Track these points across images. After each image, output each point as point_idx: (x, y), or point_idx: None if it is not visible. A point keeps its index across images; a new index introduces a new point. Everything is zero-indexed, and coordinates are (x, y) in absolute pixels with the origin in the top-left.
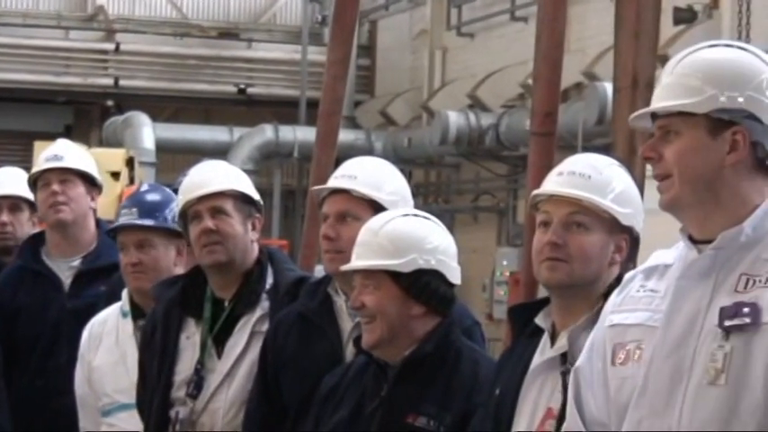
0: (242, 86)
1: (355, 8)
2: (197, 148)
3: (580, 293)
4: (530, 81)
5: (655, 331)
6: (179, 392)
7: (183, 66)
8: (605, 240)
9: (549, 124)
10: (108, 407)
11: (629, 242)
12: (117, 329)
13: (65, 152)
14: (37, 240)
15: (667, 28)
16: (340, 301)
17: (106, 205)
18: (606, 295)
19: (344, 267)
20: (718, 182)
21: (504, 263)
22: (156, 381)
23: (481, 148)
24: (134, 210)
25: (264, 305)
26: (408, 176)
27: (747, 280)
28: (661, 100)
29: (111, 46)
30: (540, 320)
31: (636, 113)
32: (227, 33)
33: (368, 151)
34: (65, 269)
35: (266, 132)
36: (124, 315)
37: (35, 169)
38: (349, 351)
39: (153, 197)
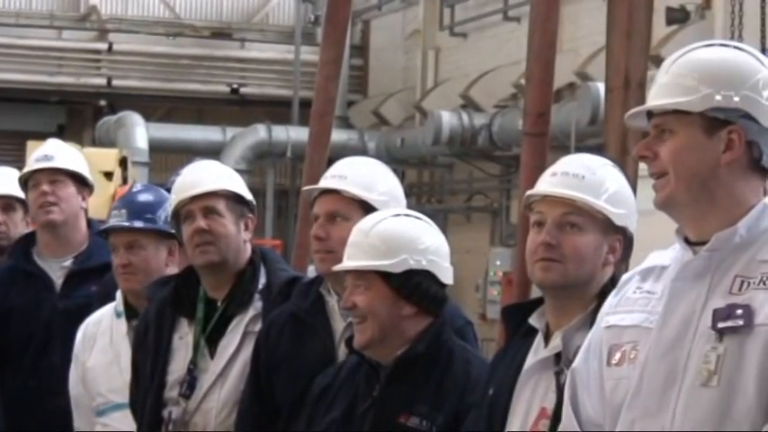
0: (235, 86)
1: (348, 8)
2: (190, 148)
3: (574, 294)
4: (522, 81)
5: (651, 333)
6: (172, 392)
7: (176, 65)
8: (599, 241)
9: (542, 124)
10: (102, 407)
11: (622, 243)
12: (111, 330)
13: (55, 152)
14: (28, 240)
15: (660, 28)
16: (332, 301)
17: (99, 205)
18: (600, 295)
19: (335, 268)
20: (714, 181)
21: (498, 263)
22: (148, 381)
23: (474, 149)
24: (123, 211)
25: (257, 305)
26: (401, 176)
27: (742, 282)
28: (656, 99)
29: (103, 46)
30: (533, 321)
31: (631, 112)
32: (220, 33)
33: (361, 151)
34: (56, 269)
35: (259, 132)
36: (118, 315)
37: (26, 169)
38: (341, 351)
39: (144, 198)
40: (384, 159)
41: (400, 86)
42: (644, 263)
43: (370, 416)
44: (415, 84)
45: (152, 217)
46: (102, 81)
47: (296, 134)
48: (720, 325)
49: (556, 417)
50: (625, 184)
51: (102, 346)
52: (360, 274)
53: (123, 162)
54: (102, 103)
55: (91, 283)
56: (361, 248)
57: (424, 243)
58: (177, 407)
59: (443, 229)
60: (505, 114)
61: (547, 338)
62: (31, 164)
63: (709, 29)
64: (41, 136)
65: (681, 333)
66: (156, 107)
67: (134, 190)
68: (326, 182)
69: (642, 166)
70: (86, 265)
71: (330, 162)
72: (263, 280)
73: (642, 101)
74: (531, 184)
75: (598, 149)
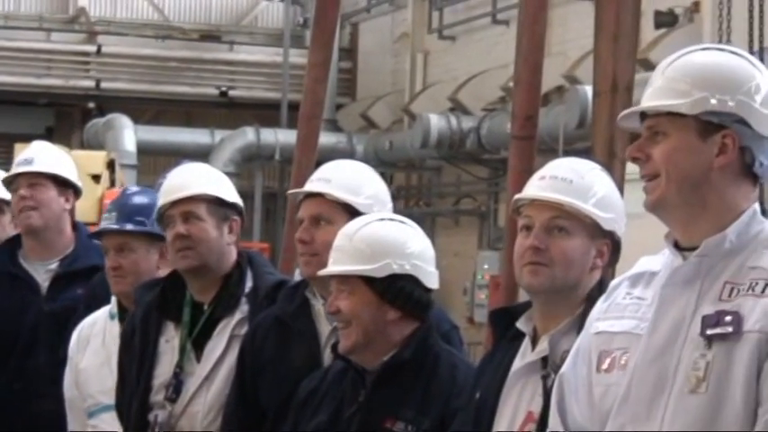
0: (223, 89)
1: (336, 11)
2: (178, 151)
3: (561, 298)
4: (511, 84)
5: (641, 339)
6: (158, 396)
7: (165, 68)
8: (587, 245)
9: (530, 128)
10: (92, 408)
11: (610, 247)
12: (104, 331)
13: (36, 155)
14: (14, 243)
15: (648, 31)
16: (318, 305)
17: (87, 208)
18: (587, 300)
19: (319, 273)
20: (706, 184)
21: (486, 266)
22: (134, 384)
23: (462, 152)
24: (113, 214)
25: (244, 309)
26: (389, 180)
27: (732, 288)
28: (651, 101)
29: (92, 48)
30: (521, 324)
31: (624, 113)
32: (209, 36)
33: (349, 154)
34: (42, 272)
35: (247, 135)
36: (112, 317)
37: (7, 174)
38: (327, 355)
39: (137, 200)
40: (372, 162)
41: (389, 89)
42: (633, 268)
43: (356, 420)
44: (403, 87)
45: (143, 219)
46: (91, 83)
47: (284, 137)
48: (709, 332)
49: (542, 421)
50: (613, 189)
51: (94, 347)
52: (343, 278)
53: (111, 165)
54: (91, 105)
55: (77, 286)
56: (345, 253)
57: (408, 247)
58: (163, 410)
59: (431, 233)
60: (494, 117)
61: (534, 342)
62: (13, 168)
63: (698, 32)
64: (30, 138)
65: (670, 339)
66: (145, 109)
67: (127, 192)
68: (311, 185)
69: (629, 170)
70: (72, 268)
71: (318, 165)
72: (249, 283)
73: (629, 104)
74: (519, 188)
75: (586, 153)
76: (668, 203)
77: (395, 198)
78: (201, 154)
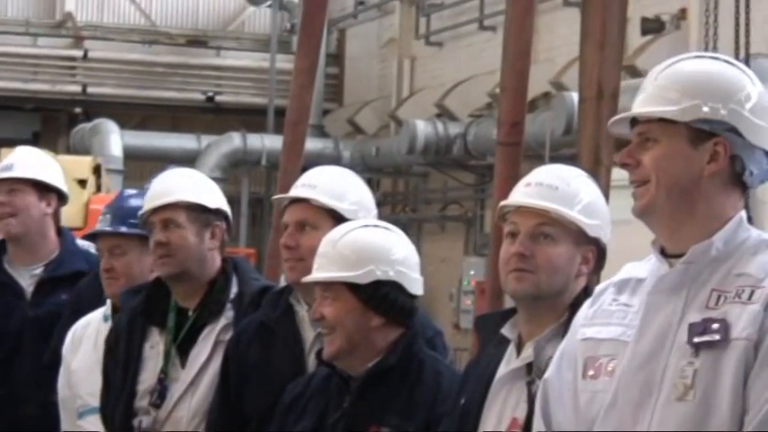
0: (210, 94)
1: (322, 18)
2: (165, 156)
3: (547, 304)
4: (498, 90)
5: (628, 346)
6: (142, 402)
7: (151, 73)
8: (572, 252)
9: (516, 134)
10: (81, 409)
11: (595, 253)
12: (97, 333)
13: (17, 161)
14: None
15: (635, 38)
16: (302, 311)
17: (73, 213)
18: (572, 306)
19: (303, 279)
20: (695, 191)
21: (472, 272)
22: (119, 390)
23: (449, 158)
24: (108, 216)
25: (229, 314)
26: (376, 185)
27: (718, 296)
28: (643, 107)
29: (79, 53)
30: (506, 331)
31: (614, 119)
32: (196, 41)
33: (336, 160)
34: (27, 277)
35: (234, 140)
36: (105, 319)
37: None
38: (311, 361)
39: (132, 203)
40: (359, 168)
41: (375, 95)
42: (619, 274)
43: (340, 426)
44: (390, 92)
45: (137, 222)
46: (78, 88)
47: (271, 142)
48: (696, 340)
49: (527, 427)
50: (599, 195)
51: (86, 349)
52: (327, 285)
53: (97, 170)
54: (77, 110)
55: (62, 291)
56: (329, 259)
57: (393, 254)
58: (147, 416)
59: (418, 239)
60: (480, 124)
61: (519, 348)
62: None
63: (684, 39)
64: (16, 143)
65: (657, 347)
66: (132, 115)
67: (124, 195)
68: (296, 191)
69: (615, 177)
70: (57, 274)
71: (304, 171)
72: (234, 289)
73: (615, 111)
74: (505, 194)
75: (573, 159)
76: (657, 209)
77: (381, 204)
78: (188, 159)
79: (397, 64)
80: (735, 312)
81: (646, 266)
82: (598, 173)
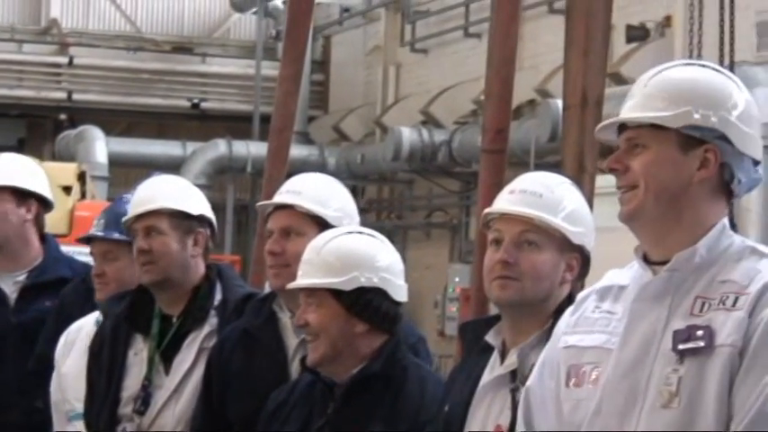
0: (195, 101)
1: (307, 25)
2: (150, 163)
3: (531, 311)
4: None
5: (612, 354)
6: (126, 408)
7: (137, 80)
8: (556, 259)
9: (501, 141)
10: (69, 413)
11: (579, 261)
12: (88, 338)
13: None
14: None
15: (620, 45)
16: (285, 318)
17: (57, 219)
18: (556, 313)
19: (288, 286)
20: (684, 198)
21: (457, 279)
22: (103, 396)
23: (434, 165)
24: (102, 221)
25: (213, 321)
26: (361, 192)
27: (703, 303)
28: (632, 112)
29: (64, 59)
30: (490, 338)
31: (603, 124)
32: (181, 48)
33: (321, 167)
34: (10, 284)
35: (219, 147)
36: (97, 324)
37: None
38: (294, 368)
39: (127, 209)
40: (344, 175)
41: (361, 102)
42: (601, 281)
43: None
44: (375, 99)
45: None
46: (63, 95)
47: (256, 149)
48: (681, 347)
49: None
50: (583, 203)
51: (77, 353)
52: (311, 291)
53: (82, 176)
54: (63, 116)
55: (45, 297)
56: (314, 266)
57: (377, 260)
58: (131, 423)
59: (403, 246)
60: (465, 131)
61: (503, 356)
62: None
63: (669, 47)
64: (1, 150)
65: (641, 354)
66: (117, 121)
67: (121, 200)
68: (281, 197)
69: (599, 184)
70: (40, 280)
71: (289, 177)
72: (218, 296)
73: (599, 119)
74: (490, 201)
75: (557, 167)
76: (644, 215)
77: (366, 211)
78: (173, 166)
79: (382, 71)
80: (719, 319)
81: (628, 273)
82: (582, 180)
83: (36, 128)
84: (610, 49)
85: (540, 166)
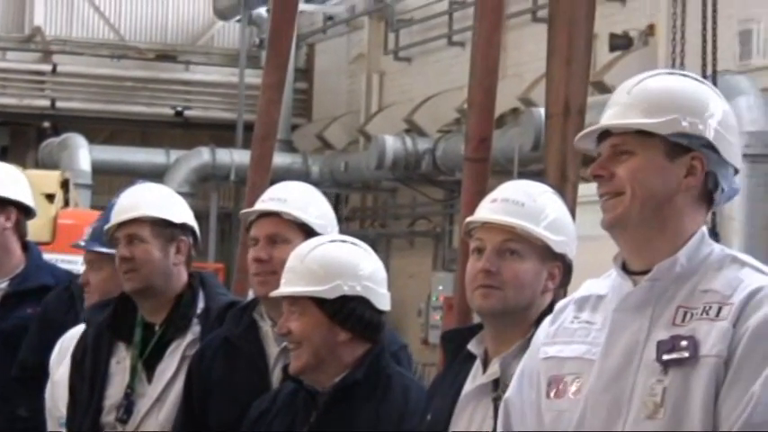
0: (179, 109)
1: (290, 33)
2: (133, 171)
3: (513, 320)
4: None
5: (593, 364)
6: (109, 417)
7: (120, 87)
8: (538, 268)
9: (484, 150)
10: (60, 420)
11: (561, 269)
12: None
13: None
14: None
15: (603, 54)
16: (266, 327)
17: (40, 227)
18: (539, 322)
19: (271, 294)
20: (668, 206)
21: (440, 287)
22: (85, 405)
23: (417, 173)
24: (90, 230)
25: (195, 330)
26: (345, 201)
27: (685, 313)
28: (617, 118)
29: (47, 67)
30: (472, 347)
31: (589, 129)
32: (165, 55)
33: (305, 175)
34: None
35: (203, 155)
36: None
37: None
38: (275, 377)
39: None
40: (327, 183)
41: (344, 110)
42: (578, 291)
43: None
44: (359, 108)
45: None
46: (46, 103)
47: (240, 157)
48: (665, 357)
49: None
50: (565, 211)
51: (69, 361)
52: (294, 299)
53: (65, 184)
54: (46, 124)
55: (27, 305)
56: (297, 274)
57: (360, 269)
58: (114, 431)
59: (386, 254)
60: (449, 139)
61: (485, 364)
62: None
63: (653, 55)
64: None
65: (624, 365)
66: (100, 129)
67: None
68: (265, 204)
69: (581, 193)
70: (22, 288)
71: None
72: (201, 304)
73: (582, 128)
74: (472, 210)
75: (541, 175)
76: (629, 222)
77: (350, 219)
78: (156, 174)
79: (365, 79)
80: (703, 329)
81: (605, 283)
82: (564, 189)
83: (19, 136)
84: (593, 57)
85: (523, 175)
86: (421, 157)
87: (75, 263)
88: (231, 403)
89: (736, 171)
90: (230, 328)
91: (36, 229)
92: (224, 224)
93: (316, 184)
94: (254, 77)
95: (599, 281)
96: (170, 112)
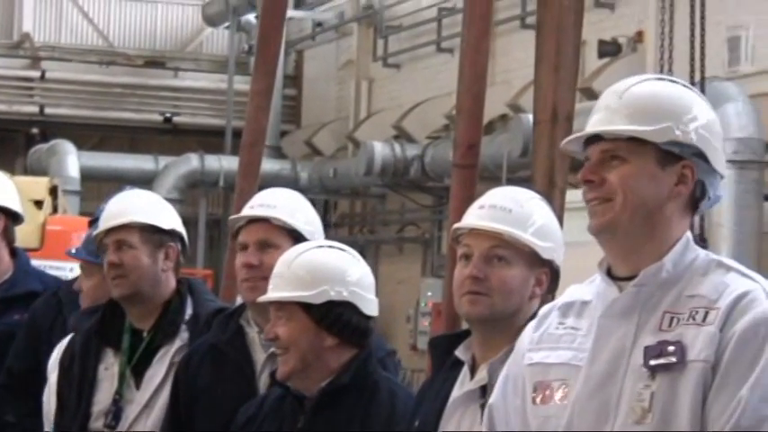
0: (168, 115)
1: (279, 40)
2: (122, 177)
3: (500, 326)
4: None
5: (580, 370)
6: (97, 423)
7: (109, 94)
8: (526, 274)
9: (472, 156)
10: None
11: (549, 275)
12: None
13: None
14: None
15: (592, 61)
16: (252, 333)
17: (28, 233)
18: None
19: (258, 299)
20: (658, 213)
21: (429, 293)
22: (73, 411)
23: (406, 179)
24: (84, 237)
25: (184, 336)
26: (333, 207)
27: (671, 318)
28: (608, 124)
29: (36, 73)
30: (459, 353)
31: (582, 133)
32: (154, 62)
33: (293, 181)
34: None
35: (192, 161)
36: None
37: None
38: (262, 383)
39: None
40: (316, 189)
41: (333, 117)
42: (562, 297)
43: None
44: (348, 114)
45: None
46: (35, 109)
47: (228, 164)
48: (653, 362)
49: None
50: (552, 218)
51: None
52: (281, 305)
53: (54, 191)
54: (35, 130)
55: (14, 311)
56: (284, 279)
57: (347, 275)
58: None
59: (375, 260)
60: (438, 145)
61: (473, 371)
62: None
63: (641, 62)
64: None
65: (611, 370)
66: (89, 135)
67: None
68: (254, 210)
69: (569, 199)
70: (10, 294)
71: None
72: (189, 311)
73: (570, 134)
74: (461, 216)
75: (529, 181)
76: (618, 228)
77: (339, 225)
78: (145, 180)
79: (354, 85)
80: (690, 334)
81: (589, 288)
82: (552, 195)
83: (7, 142)
84: (582, 64)
85: (512, 181)
86: (410, 163)
87: (63, 269)
88: (218, 409)
89: (722, 177)
90: (217, 335)
91: (24, 236)
92: (213, 230)
93: (304, 190)
94: (242, 84)
95: (582, 286)
96: (159, 118)
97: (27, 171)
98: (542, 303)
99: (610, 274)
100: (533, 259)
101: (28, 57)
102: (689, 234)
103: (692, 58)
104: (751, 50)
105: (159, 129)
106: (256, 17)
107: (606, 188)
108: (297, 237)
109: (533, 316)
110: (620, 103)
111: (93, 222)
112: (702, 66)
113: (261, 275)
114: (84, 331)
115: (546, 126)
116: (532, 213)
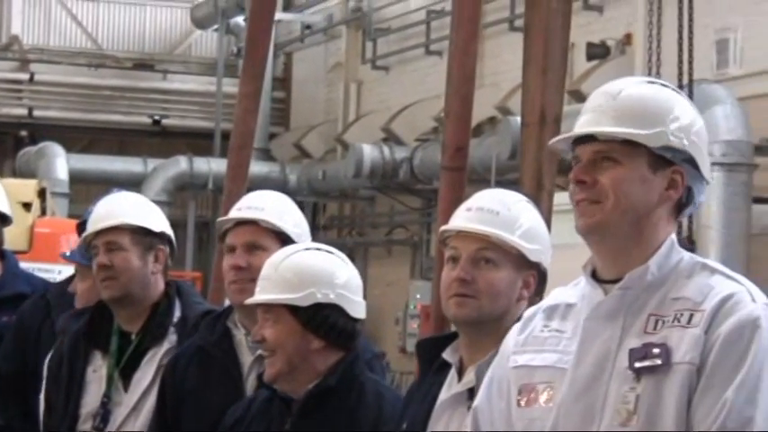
0: (157, 118)
1: (267, 42)
2: (111, 179)
3: (488, 329)
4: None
5: (565, 373)
6: (85, 425)
7: (98, 96)
8: (513, 276)
9: (460, 159)
10: None
11: (536, 278)
12: None
13: None
14: None
15: (580, 63)
16: (239, 335)
17: (17, 236)
18: None
19: (246, 302)
20: (646, 217)
21: (418, 296)
22: (61, 413)
23: (395, 182)
24: (72, 239)
25: (172, 339)
26: (322, 209)
27: (656, 321)
28: (599, 125)
29: (25, 76)
30: (447, 355)
31: (571, 133)
32: (142, 64)
33: (282, 184)
34: None
35: (180, 164)
36: None
37: None
38: (249, 385)
39: None
40: (305, 192)
41: (322, 119)
42: (547, 300)
43: None
44: (336, 116)
45: None
46: (24, 111)
47: (217, 166)
48: (638, 365)
49: None
50: (539, 220)
51: None
52: (268, 307)
53: (42, 193)
54: (23, 133)
55: (2, 313)
56: (271, 282)
57: (334, 277)
58: None
59: (364, 262)
60: (426, 148)
61: (460, 373)
62: None
63: (630, 64)
64: None
65: (596, 373)
66: (78, 138)
67: None
68: (242, 213)
69: (557, 201)
70: None
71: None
72: (177, 313)
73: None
74: (449, 219)
75: (517, 184)
76: (607, 230)
77: (328, 228)
78: (134, 183)
79: (343, 88)
80: (675, 336)
81: (573, 291)
82: (540, 197)
83: None
84: (570, 66)
85: (500, 184)
86: (398, 165)
87: (51, 271)
88: (205, 411)
89: (707, 183)
90: (204, 337)
91: (13, 238)
92: (202, 233)
93: (293, 192)
94: (231, 86)
95: (567, 289)
96: (147, 120)
97: (16, 173)
98: (530, 306)
99: (595, 276)
100: (521, 262)
101: (16, 59)
102: (674, 237)
103: (681, 61)
104: (739, 53)
105: (148, 131)
106: (245, 20)
107: (597, 190)
108: (284, 239)
109: (520, 318)
110: (614, 104)
111: (81, 225)
112: (691, 68)
113: (248, 277)
114: (73, 333)
115: (534, 128)
116: (520, 216)
